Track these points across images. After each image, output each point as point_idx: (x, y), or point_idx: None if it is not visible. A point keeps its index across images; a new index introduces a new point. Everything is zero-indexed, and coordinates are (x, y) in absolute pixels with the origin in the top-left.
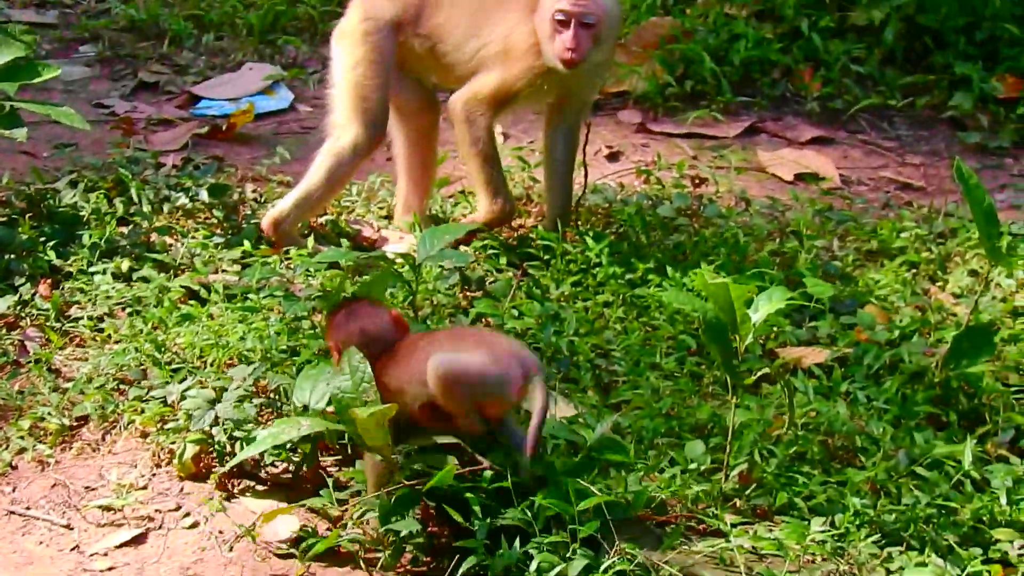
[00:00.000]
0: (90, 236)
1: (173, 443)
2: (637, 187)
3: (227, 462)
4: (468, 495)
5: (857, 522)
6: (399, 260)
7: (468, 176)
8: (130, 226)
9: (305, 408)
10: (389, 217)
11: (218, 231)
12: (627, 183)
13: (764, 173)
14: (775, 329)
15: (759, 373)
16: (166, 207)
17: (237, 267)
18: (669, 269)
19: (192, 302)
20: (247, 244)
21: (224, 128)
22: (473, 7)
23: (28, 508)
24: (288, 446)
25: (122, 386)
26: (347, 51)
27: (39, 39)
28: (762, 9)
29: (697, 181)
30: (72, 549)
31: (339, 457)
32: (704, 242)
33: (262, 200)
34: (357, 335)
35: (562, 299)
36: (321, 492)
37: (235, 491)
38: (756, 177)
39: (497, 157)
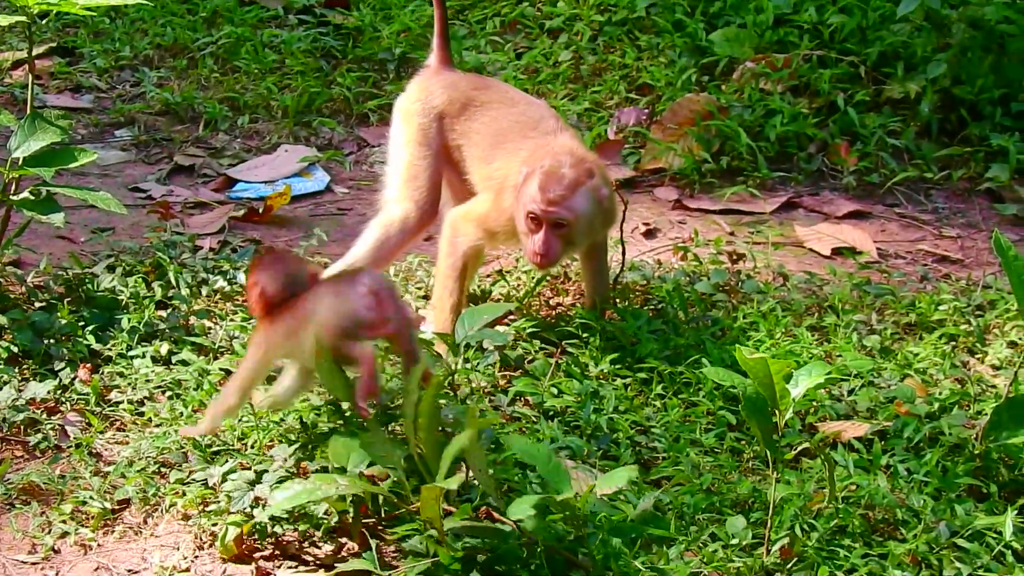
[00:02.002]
0: (129, 320)
1: (215, 525)
2: (675, 264)
3: (269, 544)
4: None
5: None
6: (437, 340)
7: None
8: (169, 310)
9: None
10: (426, 297)
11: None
12: (664, 260)
13: (801, 248)
14: (814, 403)
15: (799, 448)
16: (204, 290)
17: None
18: (708, 345)
19: None
20: None
21: (260, 211)
22: (497, 129)
23: None
24: (324, 511)
25: (163, 469)
26: (400, 127)
27: (74, 124)
28: (797, 84)
29: (735, 257)
30: None
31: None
32: (742, 318)
33: None
34: (279, 277)
35: (601, 376)
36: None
37: (278, 573)
38: (793, 252)
39: (459, 286)
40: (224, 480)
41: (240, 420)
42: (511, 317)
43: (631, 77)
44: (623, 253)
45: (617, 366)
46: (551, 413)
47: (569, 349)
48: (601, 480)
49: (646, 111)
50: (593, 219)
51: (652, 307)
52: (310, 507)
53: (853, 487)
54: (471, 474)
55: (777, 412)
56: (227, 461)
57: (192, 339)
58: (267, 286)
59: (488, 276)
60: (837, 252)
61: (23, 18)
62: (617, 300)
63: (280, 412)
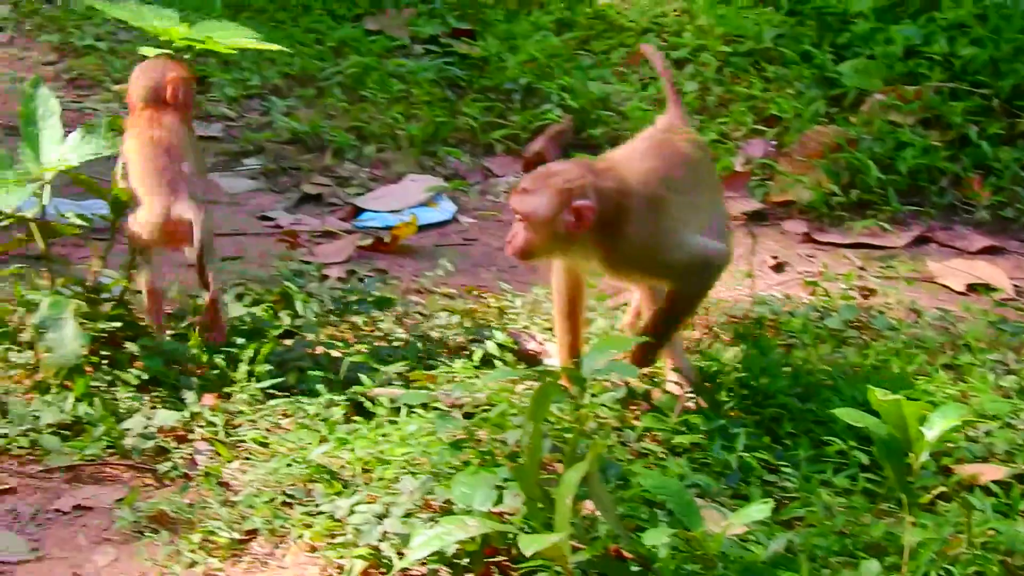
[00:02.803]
0: (256, 349)
1: (342, 558)
2: (804, 298)
3: None
4: None
5: None
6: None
7: None
8: (295, 339)
9: (469, 511)
10: (552, 329)
11: (383, 344)
12: (794, 294)
13: (934, 284)
14: (949, 445)
15: (935, 491)
16: (331, 320)
17: (402, 380)
18: (839, 382)
19: (358, 417)
20: (411, 358)
21: (387, 240)
22: None
23: None
24: (452, 551)
25: (290, 500)
26: None
27: (205, 153)
28: (928, 117)
29: (865, 292)
30: None
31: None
32: (874, 355)
33: (426, 313)
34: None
35: (730, 413)
36: None
37: None
38: (926, 288)
39: (562, 320)
40: (351, 513)
41: (365, 451)
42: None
43: (758, 108)
44: (752, 287)
45: (747, 402)
46: (679, 450)
47: (698, 385)
48: (734, 517)
49: (773, 143)
50: (545, 226)
51: (782, 342)
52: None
53: (991, 532)
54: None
55: (911, 454)
56: (354, 493)
57: (319, 370)
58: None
59: (616, 309)
60: (971, 288)
61: (168, 51)
62: (745, 334)
63: (406, 445)
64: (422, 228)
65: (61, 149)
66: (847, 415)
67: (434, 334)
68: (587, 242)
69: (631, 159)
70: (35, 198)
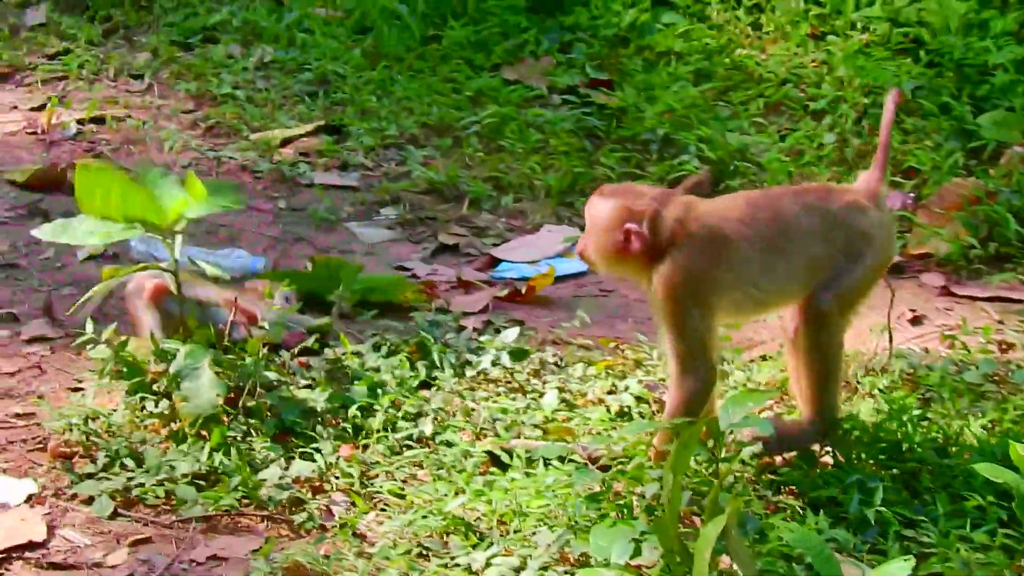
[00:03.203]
0: (392, 400)
1: None
2: (942, 352)
3: None
4: None
5: None
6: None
7: None
8: (432, 389)
9: (606, 564)
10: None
11: (519, 395)
12: (931, 347)
13: None
14: None
15: None
16: (468, 371)
17: (539, 432)
18: (978, 437)
19: (494, 468)
20: (547, 410)
21: (523, 291)
22: None
23: None
24: None
25: (426, 552)
26: None
27: (341, 201)
28: None
29: (1004, 346)
30: None
31: None
32: (1013, 410)
33: (563, 364)
34: None
35: (868, 467)
36: None
37: None
38: None
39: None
40: (488, 566)
41: (501, 503)
42: (775, 405)
43: (897, 160)
44: (890, 340)
45: (884, 456)
46: (816, 504)
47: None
48: (874, 573)
49: (912, 195)
50: (600, 236)
51: (919, 396)
52: None
53: None
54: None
55: None
56: (490, 546)
57: (454, 420)
58: None
59: (752, 361)
60: None
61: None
62: (883, 389)
63: (543, 498)
64: (559, 279)
65: (190, 200)
66: (986, 470)
67: (571, 385)
68: (639, 267)
69: (726, 207)
70: (166, 248)
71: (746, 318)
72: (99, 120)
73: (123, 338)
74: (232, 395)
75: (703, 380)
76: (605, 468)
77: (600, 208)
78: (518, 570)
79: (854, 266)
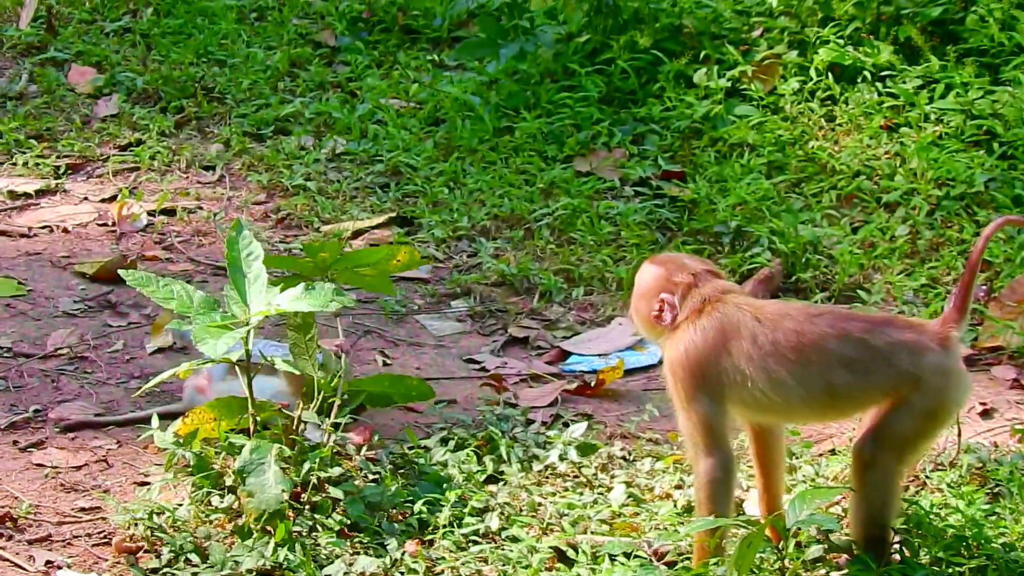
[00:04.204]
0: (459, 494)
1: None
2: (1012, 446)
3: None
4: None
5: None
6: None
7: None
8: (500, 484)
9: None
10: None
11: (587, 490)
12: (1001, 441)
13: None
14: None
15: None
16: (535, 465)
17: (606, 527)
18: None
19: (560, 564)
20: (615, 505)
21: (593, 384)
22: None
23: None
24: None
25: None
26: None
27: (412, 294)
28: None
29: None
30: None
31: None
32: None
33: (631, 458)
34: None
35: (934, 563)
36: None
37: None
38: None
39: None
40: None
41: None
42: (843, 500)
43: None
44: (959, 434)
45: (950, 551)
46: None
47: (902, 534)
48: None
49: (984, 287)
50: (639, 301)
51: (988, 491)
52: None
53: None
54: None
55: None
56: None
57: (521, 516)
58: None
59: (821, 456)
60: None
61: None
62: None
63: None
64: (629, 372)
65: (269, 295)
66: None
67: (639, 480)
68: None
69: (761, 306)
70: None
71: (776, 422)
72: (170, 212)
73: (192, 431)
74: (298, 489)
75: (719, 468)
76: (672, 564)
77: (644, 274)
78: None
79: (899, 413)
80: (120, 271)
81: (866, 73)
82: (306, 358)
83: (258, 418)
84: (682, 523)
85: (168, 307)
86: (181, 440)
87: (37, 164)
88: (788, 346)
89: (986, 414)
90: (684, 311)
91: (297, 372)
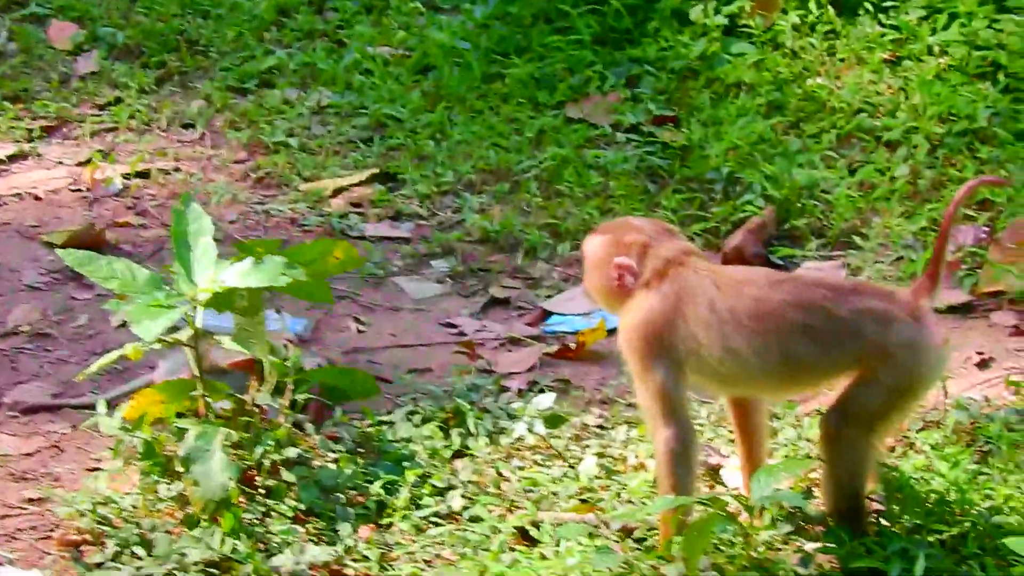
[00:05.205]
0: (420, 474)
1: None
2: (1006, 398)
3: None
4: None
5: None
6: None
7: None
8: (465, 459)
9: None
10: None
11: (558, 463)
12: (996, 394)
13: None
14: None
15: None
16: (504, 439)
17: (575, 503)
18: None
19: (523, 544)
20: (584, 479)
21: (573, 347)
22: None
23: None
24: None
25: None
26: None
27: (392, 254)
28: None
29: None
30: None
31: None
32: None
33: (607, 426)
34: None
35: (912, 531)
36: None
37: None
38: None
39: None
40: None
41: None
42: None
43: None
44: (945, 392)
45: (931, 518)
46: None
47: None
48: None
49: (985, 229)
50: (594, 273)
51: (977, 449)
52: None
53: None
54: None
55: None
56: None
57: (486, 493)
58: None
59: (807, 415)
60: None
61: None
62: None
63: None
64: (611, 332)
65: (217, 270)
66: (1018, 545)
67: (613, 450)
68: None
69: (722, 270)
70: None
71: (739, 394)
72: (146, 175)
73: (140, 414)
74: (253, 472)
75: (676, 440)
76: (640, 540)
77: (591, 245)
78: None
79: (867, 387)
80: (59, 251)
81: (868, 5)
82: (253, 342)
83: (209, 399)
84: (654, 495)
85: (109, 287)
86: (130, 426)
87: (11, 128)
88: (746, 314)
89: (983, 364)
90: (645, 273)
91: (246, 352)
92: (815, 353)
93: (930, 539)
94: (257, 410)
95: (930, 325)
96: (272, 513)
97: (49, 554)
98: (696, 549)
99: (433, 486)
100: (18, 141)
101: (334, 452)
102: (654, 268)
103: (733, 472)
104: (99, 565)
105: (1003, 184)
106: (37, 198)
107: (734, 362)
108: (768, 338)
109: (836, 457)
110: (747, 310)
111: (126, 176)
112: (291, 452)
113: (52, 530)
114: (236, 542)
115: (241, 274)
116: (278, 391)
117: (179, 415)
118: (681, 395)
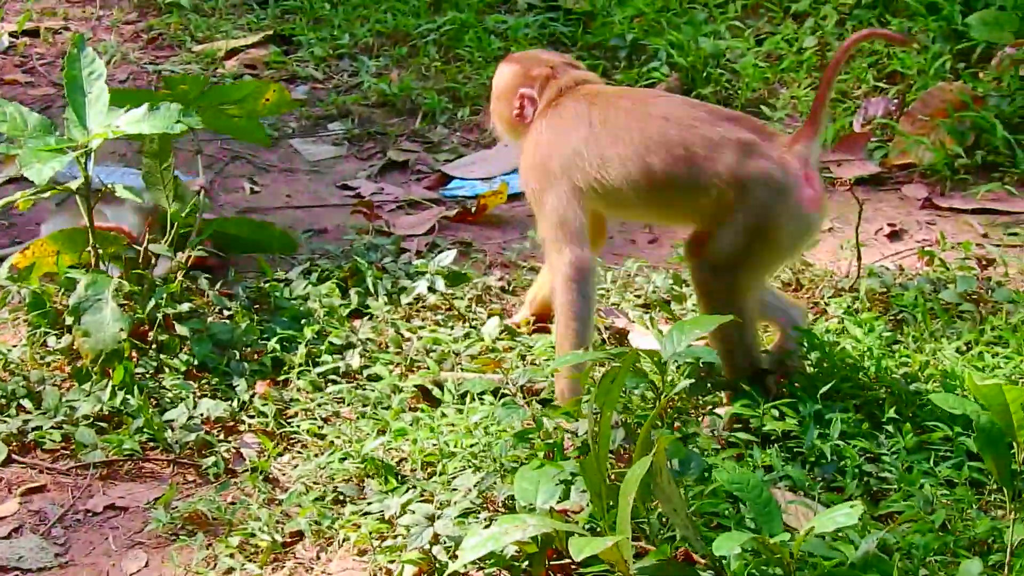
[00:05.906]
0: (317, 331)
1: (392, 562)
2: (919, 269)
3: None
4: None
5: None
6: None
7: None
8: (363, 319)
9: (531, 509)
10: (646, 305)
11: (458, 324)
12: (908, 264)
13: None
14: None
15: None
16: (404, 298)
17: (477, 363)
18: (949, 362)
19: (424, 404)
20: (488, 339)
21: (474, 210)
22: None
23: None
24: (509, 553)
25: (341, 498)
26: None
27: (287, 116)
28: None
29: (984, 262)
30: None
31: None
32: (990, 331)
33: (509, 288)
34: None
35: (828, 397)
36: None
37: None
38: None
39: None
40: (403, 513)
41: (426, 442)
42: None
43: (880, 64)
44: (858, 258)
45: (847, 384)
46: (771, 438)
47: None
48: (818, 520)
49: (895, 101)
50: (499, 102)
51: (891, 318)
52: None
53: None
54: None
55: (1016, 444)
56: (408, 490)
57: (385, 352)
58: None
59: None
60: None
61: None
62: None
63: (472, 434)
64: (512, 196)
65: (111, 116)
66: (944, 401)
67: (515, 312)
68: None
69: (614, 92)
70: (77, 167)
71: (622, 216)
72: (34, 33)
73: (29, 265)
74: (145, 327)
75: (572, 266)
76: (544, 402)
77: (501, 73)
78: (433, 518)
79: (724, 228)
80: None
81: None
82: (160, 188)
83: (101, 251)
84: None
85: None
86: (17, 276)
87: None
88: (618, 124)
89: (894, 235)
90: (542, 103)
91: (140, 200)
92: (672, 170)
93: (846, 404)
94: (152, 261)
95: (794, 168)
96: (165, 368)
97: None
98: (608, 402)
99: (331, 343)
100: None
101: (229, 309)
102: (548, 98)
103: (641, 336)
104: None
105: (898, 40)
106: None
107: (606, 172)
108: (632, 147)
109: (708, 306)
110: (619, 121)
111: (13, 35)
112: (185, 307)
113: None
114: (127, 396)
115: (135, 121)
116: (176, 245)
117: (70, 268)
118: (578, 223)
